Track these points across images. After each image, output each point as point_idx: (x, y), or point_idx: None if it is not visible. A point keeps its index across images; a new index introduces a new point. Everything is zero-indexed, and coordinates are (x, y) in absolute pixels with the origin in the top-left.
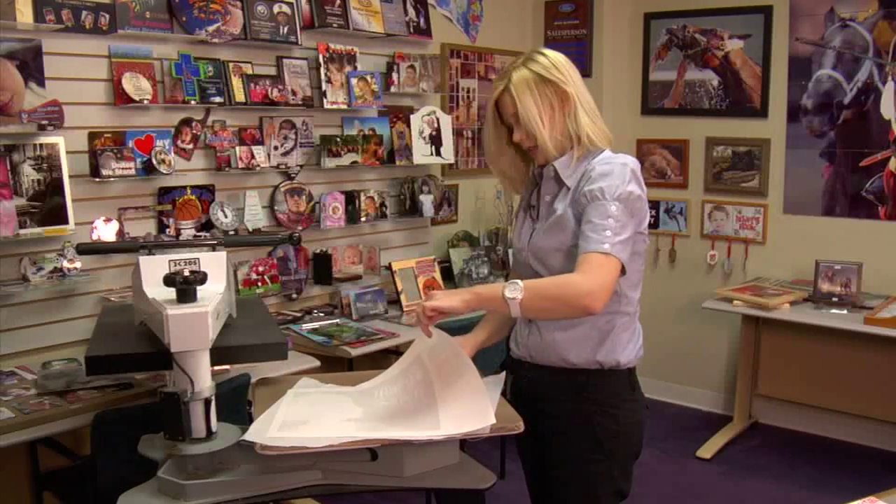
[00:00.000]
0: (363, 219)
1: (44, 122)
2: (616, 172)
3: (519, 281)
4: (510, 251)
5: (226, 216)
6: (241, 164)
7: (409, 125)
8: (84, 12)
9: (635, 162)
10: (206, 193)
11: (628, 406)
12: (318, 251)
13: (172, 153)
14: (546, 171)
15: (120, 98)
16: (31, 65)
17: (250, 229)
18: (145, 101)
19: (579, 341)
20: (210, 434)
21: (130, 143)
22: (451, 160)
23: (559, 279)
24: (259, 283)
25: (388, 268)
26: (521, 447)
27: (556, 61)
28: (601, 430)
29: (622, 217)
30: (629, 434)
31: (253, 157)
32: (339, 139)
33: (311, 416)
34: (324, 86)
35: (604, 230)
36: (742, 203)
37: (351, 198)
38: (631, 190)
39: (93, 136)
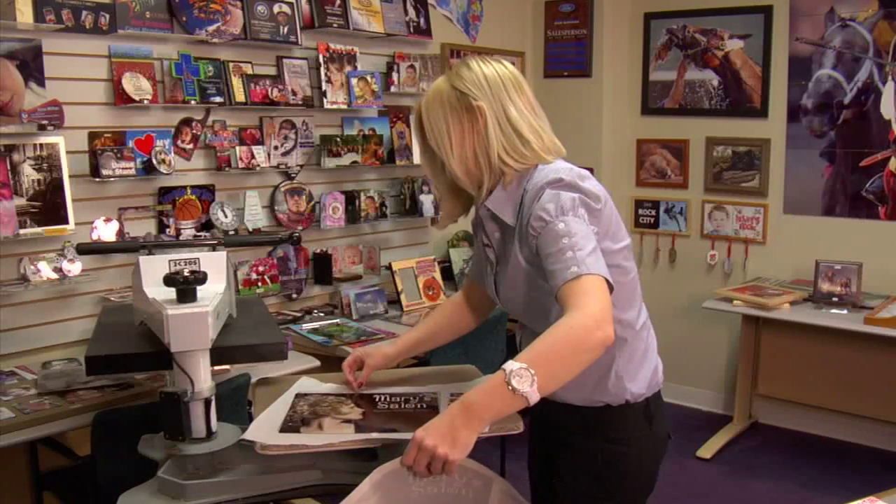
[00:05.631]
0: (363, 219)
1: (44, 122)
2: (546, 193)
3: (518, 363)
4: None
5: (226, 216)
6: (241, 164)
7: (409, 125)
8: (84, 12)
9: (570, 172)
10: (206, 193)
11: (641, 443)
12: (318, 251)
13: (172, 153)
14: (482, 212)
15: (120, 98)
16: (31, 65)
17: (250, 229)
18: (145, 101)
19: (577, 383)
20: (210, 434)
21: (130, 143)
22: None
23: (557, 333)
24: (259, 283)
25: (388, 268)
26: (530, 461)
27: (476, 73)
28: (605, 469)
29: (576, 228)
30: (638, 473)
31: (253, 157)
32: (339, 139)
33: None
34: (324, 86)
35: (562, 255)
36: (742, 203)
37: (351, 198)
38: (572, 196)
39: (93, 136)
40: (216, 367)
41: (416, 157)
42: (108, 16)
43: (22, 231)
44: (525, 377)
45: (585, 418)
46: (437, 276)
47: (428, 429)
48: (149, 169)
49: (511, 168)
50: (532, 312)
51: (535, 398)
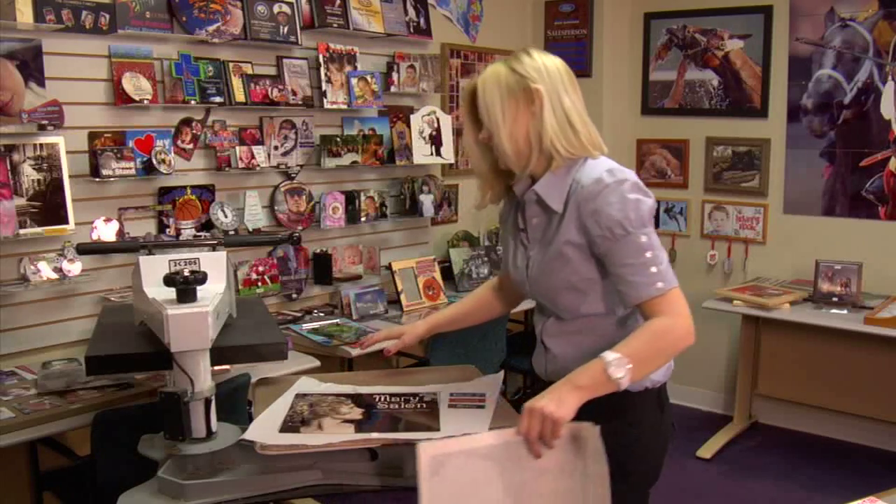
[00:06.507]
0: (363, 219)
1: (44, 122)
2: (619, 198)
3: (615, 354)
4: None
5: (226, 216)
6: (241, 164)
7: (409, 125)
8: (84, 12)
9: (631, 173)
10: (206, 193)
11: (653, 429)
12: (318, 251)
13: (172, 153)
14: (528, 196)
15: (120, 98)
16: (31, 65)
17: (250, 229)
18: (145, 101)
19: None
20: (210, 434)
21: (130, 143)
22: (451, 160)
23: (653, 333)
24: (259, 283)
25: (388, 268)
26: None
27: (537, 61)
28: (614, 452)
29: (655, 241)
30: (645, 460)
31: (253, 157)
32: (339, 139)
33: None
34: (324, 86)
35: (646, 269)
36: (742, 203)
37: (351, 198)
38: (650, 206)
39: (93, 136)
40: (216, 367)
41: (416, 158)
42: (108, 16)
43: (22, 231)
44: (621, 366)
45: (602, 402)
46: (437, 276)
47: (535, 398)
48: (149, 169)
49: (559, 154)
50: (565, 298)
51: (625, 385)
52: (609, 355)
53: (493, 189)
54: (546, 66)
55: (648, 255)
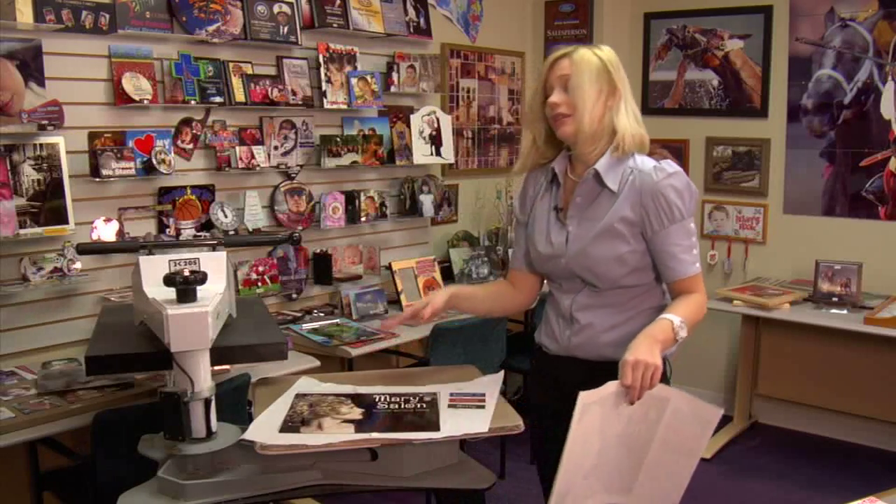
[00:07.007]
0: (363, 219)
1: (44, 122)
2: (682, 186)
3: (678, 316)
4: (510, 251)
5: (226, 216)
6: (241, 164)
7: (409, 125)
8: (84, 12)
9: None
10: (206, 193)
11: None
12: (318, 251)
13: (172, 153)
14: (587, 174)
15: (120, 98)
16: (31, 65)
17: (250, 229)
18: (145, 101)
19: (630, 340)
20: (210, 434)
21: (130, 143)
22: (451, 160)
23: (695, 305)
24: (259, 283)
25: (388, 268)
26: (545, 445)
27: (616, 59)
28: None
29: (694, 227)
30: None
31: (253, 157)
32: (339, 139)
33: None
34: (324, 86)
35: (690, 251)
36: (742, 203)
37: (351, 198)
38: (696, 199)
39: (93, 136)
40: (216, 367)
41: (416, 158)
42: (108, 16)
43: (22, 231)
44: (684, 327)
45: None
46: (437, 276)
47: (631, 353)
48: (149, 169)
49: (625, 141)
50: (609, 269)
51: (678, 343)
52: (675, 317)
53: (537, 156)
54: (620, 65)
55: (693, 239)
